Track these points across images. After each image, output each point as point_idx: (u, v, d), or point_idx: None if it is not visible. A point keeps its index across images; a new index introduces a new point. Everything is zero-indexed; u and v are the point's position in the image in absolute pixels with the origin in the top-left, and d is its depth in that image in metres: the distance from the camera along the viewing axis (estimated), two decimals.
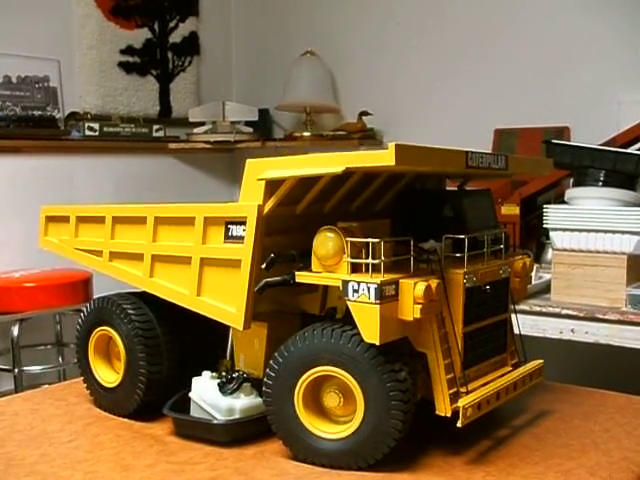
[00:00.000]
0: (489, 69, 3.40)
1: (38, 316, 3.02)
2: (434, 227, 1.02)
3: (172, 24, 4.01)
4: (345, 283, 0.92)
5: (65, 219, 1.26)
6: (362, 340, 0.91)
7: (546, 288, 2.17)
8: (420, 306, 0.91)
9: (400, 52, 3.67)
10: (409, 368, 0.94)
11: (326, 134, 3.78)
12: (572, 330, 2.05)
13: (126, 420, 1.14)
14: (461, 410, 0.93)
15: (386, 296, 0.90)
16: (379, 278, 0.90)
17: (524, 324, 1.95)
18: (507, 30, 3.34)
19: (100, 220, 1.20)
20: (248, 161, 1.01)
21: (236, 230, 1.01)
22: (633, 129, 2.51)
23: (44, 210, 1.31)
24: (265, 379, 0.99)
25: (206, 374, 1.09)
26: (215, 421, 1.05)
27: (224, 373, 1.09)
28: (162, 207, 1.12)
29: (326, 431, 0.96)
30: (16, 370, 2.90)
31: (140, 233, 1.14)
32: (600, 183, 2.10)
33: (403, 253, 0.96)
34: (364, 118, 3.65)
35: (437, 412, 0.96)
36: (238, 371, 1.09)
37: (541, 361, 1.13)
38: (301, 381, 0.96)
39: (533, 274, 2.16)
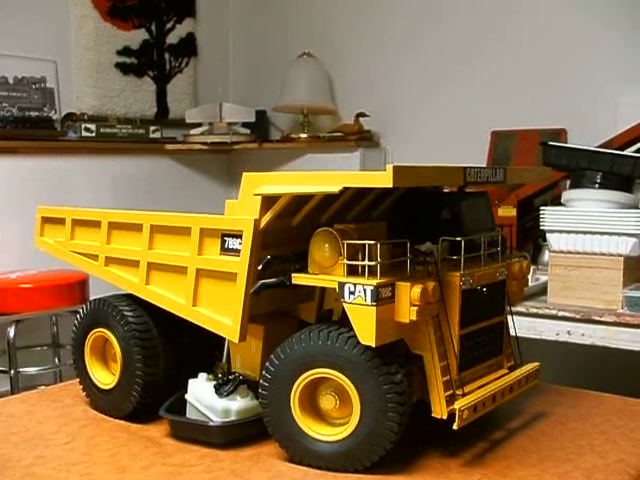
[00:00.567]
0: (486, 71, 3.40)
1: (34, 317, 3.02)
2: (431, 229, 1.02)
3: (169, 25, 4.01)
4: (341, 285, 0.92)
5: (61, 221, 1.26)
6: (358, 342, 0.91)
7: (543, 290, 2.17)
8: (416, 308, 0.91)
9: (397, 54, 3.68)
10: (405, 370, 0.94)
11: (323, 136, 3.78)
12: (568, 332, 2.05)
13: (122, 422, 1.14)
14: (457, 412, 0.93)
15: (382, 298, 0.90)
16: (375, 280, 0.90)
17: (521, 326, 1.94)
18: (504, 33, 3.34)
19: (96, 224, 1.20)
20: (245, 175, 1.01)
21: (232, 243, 1.01)
22: (630, 131, 2.51)
23: (40, 210, 1.30)
24: (261, 381, 0.99)
25: (202, 376, 1.09)
26: (211, 423, 1.05)
27: (220, 375, 1.09)
28: (159, 215, 1.11)
29: (322, 433, 0.96)
30: (12, 371, 2.90)
31: (136, 240, 1.13)
32: (597, 185, 2.10)
33: (400, 255, 0.96)
34: (361, 120, 3.65)
35: (433, 414, 0.96)
36: (234, 373, 1.08)
37: (537, 364, 1.13)
38: (297, 383, 0.96)
39: (530, 276, 2.16)
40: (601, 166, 2.11)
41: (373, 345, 0.90)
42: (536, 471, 0.96)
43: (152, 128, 3.74)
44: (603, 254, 2.03)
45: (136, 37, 3.87)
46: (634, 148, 2.47)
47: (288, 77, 3.78)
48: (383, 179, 0.85)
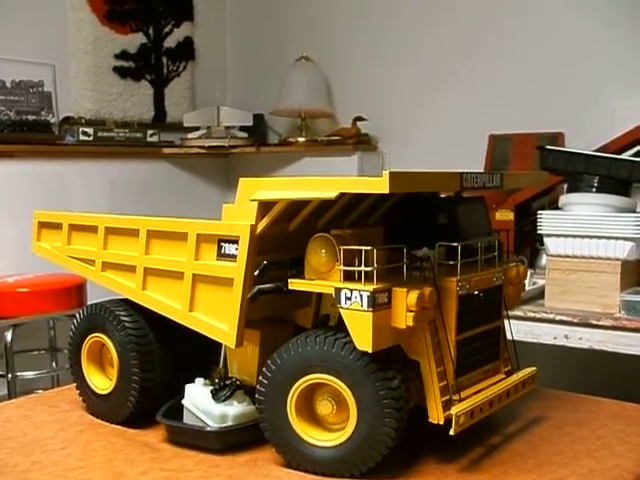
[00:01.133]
0: (483, 75, 3.41)
1: (32, 321, 3.01)
2: (427, 234, 1.02)
3: (167, 29, 4.02)
4: (338, 291, 0.92)
5: (58, 226, 1.26)
6: (355, 348, 0.91)
7: (540, 294, 2.17)
8: (413, 314, 0.91)
9: (395, 58, 3.68)
10: (402, 376, 0.94)
11: (321, 139, 3.78)
12: (566, 336, 2.05)
13: (119, 427, 1.14)
14: (454, 418, 0.93)
15: (379, 304, 0.90)
16: (372, 286, 0.90)
17: (518, 330, 1.94)
18: (502, 36, 3.35)
19: (93, 229, 1.20)
20: (241, 180, 1.01)
21: (229, 248, 1.01)
22: (627, 135, 2.51)
23: (37, 215, 1.30)
24: (258, 386, 0.99)
25: (199, 381, 1.09)
26: (208, 428, 1.05)
27: (217, 380, 1.09)
28: (155, 220, 1.11)
29: (319, 439, 0.96)
30: (9, 375, 2.89)
31: (133, 245, 1.13)
32: (594, 189, 2.11)
33: (396, 261, 0.96)
34: (359, 123, 3.66)
35: (430, 420, 0.96)
36: (231, 378, 1.08)
37: (534, 368, 1.13)
38: (294, 388, 0.96)
39: (527, 280, 2.16)
40: (598, 170, 2.11)
41: (370, 351, 0.90)
42: (533, 476, 0.96)
43: (150, 132, 3.74)
44: (600, 258, 2.03)
45: (134, 41, 3.87)
46: (631, 152, 2.47)
47: (286, 81, 3.79)
48: (379, 185, 0.85)
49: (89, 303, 1.19)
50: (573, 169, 2.16)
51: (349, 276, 0.93)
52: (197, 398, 1.07)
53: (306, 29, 4.00)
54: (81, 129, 3.45)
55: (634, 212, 2.07)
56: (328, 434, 0.97)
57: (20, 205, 3.25)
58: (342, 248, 0.93)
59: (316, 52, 3.84)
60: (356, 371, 0.92)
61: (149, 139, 3.74)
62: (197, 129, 3.88)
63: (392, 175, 0.84)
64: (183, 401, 1.09)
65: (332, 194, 0.90)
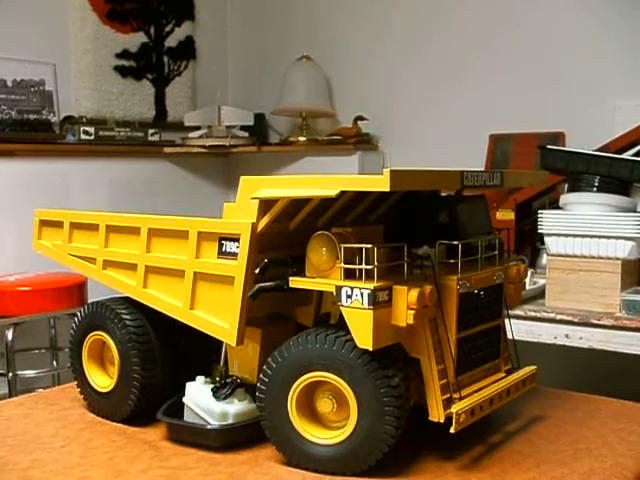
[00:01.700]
0: (484, 74, 3.41)
1: (32, 320, 3.01)
2: (428, 233, 1.02)
3: (168, 28, 4.02)
4: (338, 289, 0.92)
5: (59, 224, 1.26)
6: (356, 346, 0.91)
7: (541, 293, 2.18)
8: (413, 312, 0.91)
9: (396, 57, 3.68)
10: (402, 374, 0.94)
11: (322, 139, 3.78)
12: (567, 335, 2.05)
13: (120, 425, 1.14)
14: (454, 416, 0.93)
15: (379, 302, 0.90)
16: (372, 284, 0.90)
17: (519, 329, 1.94)
18: (503, 36, 3.35)
19: (94, 227, 1.20)
20: (242, 178, 1.01)
21: (229, 246, 1.01)
22: (628, 135, 2.51)
23: (38, 213, 1.31)
24: (259, 384, 0.99)
25: (200, 379, 1.09)
26: (209, 426, 1.05)
27: (218, 378, 1.09)
28: (156, 219, 1.11)
29: (319, 437, 0.96)
30: (10, 374, 2.89)
31: (134, 243, 1.13)
32: (595, 189, 2.11)
33: (397, 259, 0.96)
34: (360, 123, 3.66)
35: (430, 418, 0.96)
36: (232, 376, 1.09)
37: (534, 367, 1.13)
38: (295, 386, 0.96)
39: (528, 279, 2.16)
40: (599, 170, 2.11)
41: (370, 349, 0.90)
42: (533, 474, 0.96)
43: (151, 131, 3.74)
44: (601, 257, 2.03)
45: (135, 40, 3.87)
46: (632, 152, 2.47)
47: (287, 80, 3.78)
48: (380, 183, 0.85)
49: (90, 301, 1.19)
50: (574, 169, 2.16)
51: (350, 274, 0.93)
52: (198, 396, 1.07)
53: (307, 28, 4.00)
54: (82, 128, 3.45)
55: (635, 212, 2.07)
56: (329, 432, 0.97)
57: (21, 204, 3.25)
58: (343, 246, 0.93)
59: (317, 52, 3.84)
60: (357, 369, 0.92)
61: (150, 138, 3.74)
62: (198, 128, 3.88)
63: (393, 173, 0.84)
64: (184, 399, 1.09)
65: (333, 192, 0.90)
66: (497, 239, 1.09)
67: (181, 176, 4.03)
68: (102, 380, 1.18)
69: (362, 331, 0.90)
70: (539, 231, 2.13)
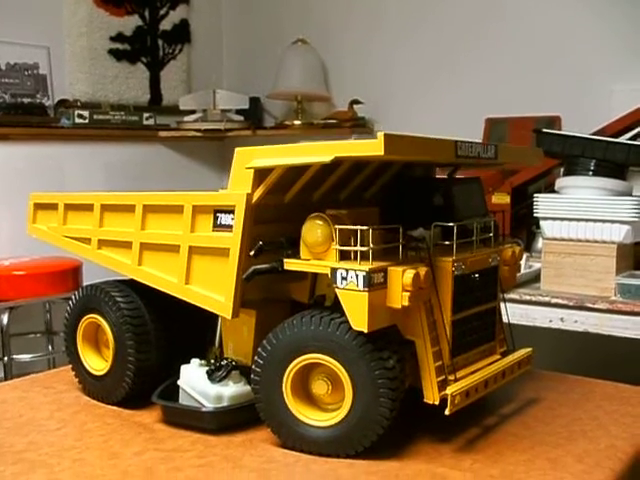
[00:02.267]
0: (480, 58, 3.39)
1: (28, 304, 3.01)
2: (423, 215, 1.02)
3: (162, 11, 4.00)
4: (334, 270, 0.92)
5: (53, 206, 1.26)
6: (350, 328, 0.91)
7: (536, 277, 2.18)
8: (408, 294, 0.91)
9: (392, 41, 3.66)
10: (397, 356, 0.94)
11: (317, 123, 3.77)
12: (561, 319, 2.06)
13: (114, 408, 1.14)
14: (449, 398, 0.93)
15: (375, 284, 0.90)
16: (367, 266, 0.90)
17: (514, 313, 1.95)
18: (499, 20, 3.34)
19: (88, 208, 1.20)
20: (237, 149, 1.01)
21: (225, 219, 1.01)
22: (624, 118, 2.51)
23: (32, 197, 1.30)
24: (254, 367, 0.99)
25: (195, 362, 1.09)
26: (204, 409, 1.05)
27: (213, 361, 1.09)
28: (151, 195, 1.12)
29: (314, 419, 0.96)
30: (5, 358, 2.90)
31: (129, 221, 1.13)
32: (590, 172, 2.10)
33: (392, 241, 0.95)
34: (355, 107, 3.65)
35: (425, 400, 0.97)
36: (227, 359, 1.08)
37: (530, 349, 1.13)
38: (289, 369, 0.96)
39: (523, 263, 2.16)
40: (595, 153, 2.10)
41: (365, 331, 0.90)
42: (528, 456, 0.96)
43: (145, 115, 3.73)
44: (596, 241, 2.03)
45: (129, 23, 3.85)
46: (628, 135, 2.47)
47: (282, 64, 3.77)
48: (374, 147, 0.84)
49: (84, 284, 1.19)
50: (569, 152, 2.15)
51: (345, 256, 0.93)
52: (193, 379, 1.07)
53: (302, 12, 3.98)
54: (77, 112, 3.43)
55: (630, 195, 2.07)
56: (323, 414, 0.97)
57: (15, 188, 3.24)
58: (338, 228, 0.93)
59: (312, 35, 3.82)
60: (351, 351, 0.92)
61: (145, 122, 3.73)
62: (193, 112, 3.87)
63: (387, 137, 0.84)
64: (179, 382, 1.09)
65: (327, 158, 0.89)
66: (492, 221, 1.09)
67: (176, 160, 4.02)
68: (97, 363, 1.18)
69: (357, 313, 0.90)
70: (535, 215, 2.13)
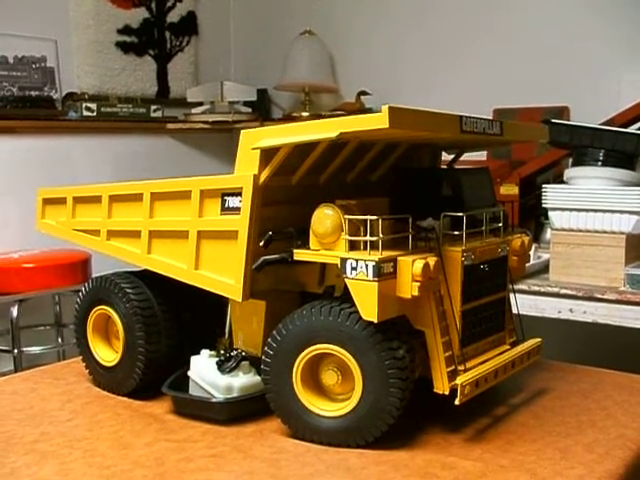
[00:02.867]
0: (489, 49, 3.38)
1: (37, 297, 3.02)
2: (432, 205, 1.02)
3: (170, 3, 3.99)
4: (343, 261, 0.92)
5: (62, 200, 1.26)
6: (360, 318, 0.91)
7: (545, 268, 2.17)
8: (418, 284, 0.91)
9: (399, 32, 3.65)
10: (407, 346, 0.94)
11: (324, 114, 3.76)
12: (570, 310, 2.05)
13: (125, 399, 1.15)
14: (459, 388, 0.93)
15: (384, 274, 0.90)
16: (377, 256, 0.90)
17: (523, 304, 1.95)
18: (506, 10, 3.32)
19: (97, 200, 1.20)
20: (243, 132, 1.01)
21: (232, 201, 1.01)
22: (633, 108, 2.50)
23: (40, 193, 1.31)
24: (263, 357, 0.99)
25: (205, 353, 1.10)
26: (214, 399, 1.05)
27: (222, 352, 1.09)
28: (158, 183, 1.12)
29: (324, 409, 0.97)
30: (15, 351, 2.90)
31: (137, 210, 1.14)
32: (599, 163, 2.10)
33: (401, 231, 0.95)
34: (362, 98, 3.64)
35: (435, 390, 0.97)
36: (236, 349, 1.09)
37: (539, 339, 1.13)
38: (299, 359, 0.96)
39: (532, 254, 2.16)
40: (604, 144, 2.10)
41: (375, 321, 0.90)
42: (537, 446, 0.96)
43: (153, 107, 3.73)
44: (605, 232, 2.02)
45: (136, 15, 3.84)
46: (637, 125, 2.46)
47: (289, 55, 3.76)
48: (379, 120, 0.84)
49: (94, 276, 1.19)
50: (578, 143, 2.14)
51: (354, 246, 0.93)
52: (203, 370, 1.08)
53: (309, 3, 3.97)
54: (84, 105, 3.43)
55: (639, 186, 2.06)
56: (333, 404, 0.97)
57: (23, 181, 3.24)
58: (347, 218, 0.93)
59: (320, 27, 3.81)
60: (361, 341, 0.92)
61: (152, 114, 3.72)
62: (201, 104, 3.87)
63: (391, 110, 0.84)
64: (189, 373, 1.09)
65: (333, 134, 0.89)
66: (501, 211, 1.09)
67: (184, 152, 4.02)
68: (107, 354, 1.19)
69: (367, 303, 0.90)
70: (543, 205, 2.12)
